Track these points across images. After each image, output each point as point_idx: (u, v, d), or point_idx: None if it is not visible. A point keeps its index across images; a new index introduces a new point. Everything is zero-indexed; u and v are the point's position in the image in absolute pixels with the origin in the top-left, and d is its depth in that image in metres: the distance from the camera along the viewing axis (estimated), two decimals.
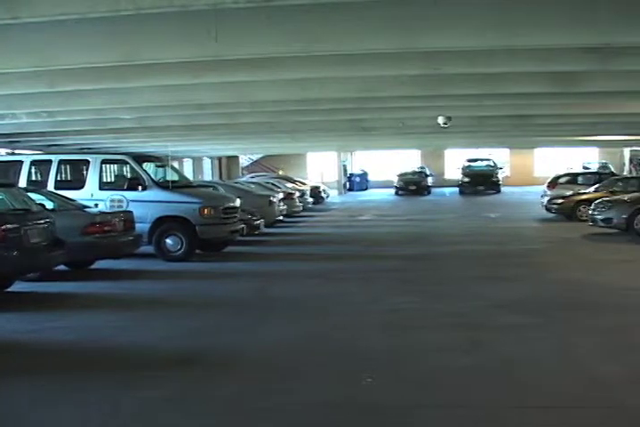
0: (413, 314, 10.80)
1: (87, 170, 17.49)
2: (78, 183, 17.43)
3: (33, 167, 17.68)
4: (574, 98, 16.28)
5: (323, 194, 39.95)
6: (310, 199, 34.58)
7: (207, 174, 47.98)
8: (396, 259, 16.87)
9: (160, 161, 19.36)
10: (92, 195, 16.94)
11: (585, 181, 30.50)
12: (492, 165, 48.99)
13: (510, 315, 10.51)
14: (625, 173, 42.76)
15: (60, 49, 9.65)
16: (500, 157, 53.79)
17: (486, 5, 8.48)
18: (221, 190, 21.90)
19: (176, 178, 18.75)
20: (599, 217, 21.07)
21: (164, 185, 17.40)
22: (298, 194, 31.12)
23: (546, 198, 28.22)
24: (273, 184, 30.15)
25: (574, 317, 10.36)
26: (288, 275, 14.90)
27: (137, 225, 15.55)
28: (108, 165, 18.18)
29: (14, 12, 7.60)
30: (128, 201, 16.82)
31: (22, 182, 16.77)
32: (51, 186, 16.96)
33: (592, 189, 26.61)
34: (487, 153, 51.65)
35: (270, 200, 24.70)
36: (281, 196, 26.63)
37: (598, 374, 7.58)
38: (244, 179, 36.39)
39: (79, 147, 28.13)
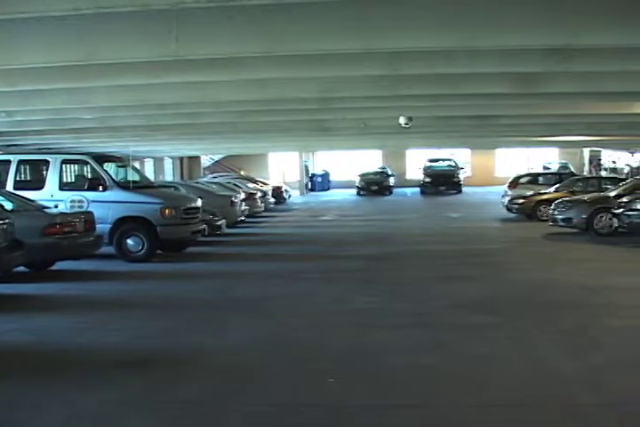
0: (375, 314, 10.83)
1: (47, 170, 17.35)
2: (38, 184, 17.28)
3: None
4: (535, 99, 16.39)
5: (284, 194, 39.89)
6: (272, 199, 34.53)
7: (168, 175, 47.72)
8: (358, 259, 16.90)
9: (121, 161, 19.25)
10: (51, 195, 16.80)
11: (545, 181, 30.76)
12: (454, 165, 49.19)
13: (471, 314, 10.57)
14: (585, 174, 43.13)
15: (19, 48, 9.55)
16: (462, 158, 54.01)
17: (446, 6, 8.51)
18: (183, 191, 21.85)
19: (137, 178, 18.66)
20: (559, 217, 21.27)
21: (125, 185, 17.31)
22: (259, 194, 31.06)
23: (507, 198, 28.40)
24: (234, 184, 30.05)
25: (534, 316, 10.45)
26: (250, 275, 14.87)
27: (98, 226, 15.43)
28: (68, 166, 18.05)
29: None
30: (89, 201, 16.71)
31: None
32: (10, 186, 16.79)
33: (552, 189, 26.83)
34: (448, 153, 51.88)
35: (232, 200, 24.64)
36: (242, 196, 26.57)
37: (557, 373, 7.64)
38: (205, 179, 36.24)
39: (39, 147, 27.87)
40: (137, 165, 32.05)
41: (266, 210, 31.56)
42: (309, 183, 52.28)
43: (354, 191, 47.54)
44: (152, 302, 12.21)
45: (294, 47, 9.19)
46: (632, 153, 42.83)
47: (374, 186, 47.15)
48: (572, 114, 20.66)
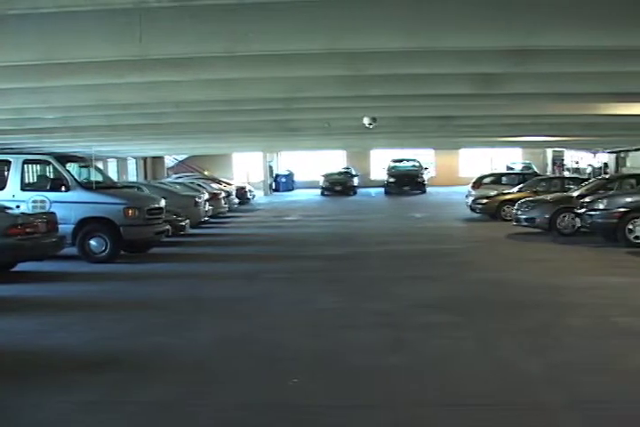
0: (340, 314, 10.84)
1: (8, 170, 17.19)
2: None
3: None
4: (497, 99, 16.47)
5: (249, 194, 39.86)
6: (236, 200, 34.47)
7: (132, 175, 47.43)
8: (322, 259, 16.91)
9: (84, 161, 19.12)
10: (13, 196, 16.67)
11: (509, 181, 30.97)
12: (418, 165, 49.37)
13: (435, 314, 10.61)
14: (548, 174, 43.45)
15: None
16: (426, 158, 54.19)
17: (407, 7, 8.52)
18: (146, 191, 21.74)
19: (100, 178, 18.57)
20: (523, 217, 21.42)
21: (87, 186, 17.22)
22: (223, 194, 31.00)
23: (470, 198, 28.56)
24: (198, 185, 29.96)
25: (497, 315, 10.52)
26: (214, 276, 14.84)
27: (60, 226, 15.31)
28: (30, 166, 17.90)
29: None
30: (51, 202, 16.60)
31: None
32: None
33: (516, 189, 27.02)
34: (412, 153, 52.02)
35: (196, 201, 24.58)
36: (206, 196, 26.49)
37: (520, 372, 7.69)
38: (169, 179, 36.11)
39: (0, 147, 27.61)
40: (100, 165, 31.89)
41: (230, 210, 31.53)
42: (273, 184, 52.24)
43: (318, 191, 47.59)
44: (116, 303, 12.14)
45: (257, 47, 9.17)
46: (594, 153, 43.21)
47: (338, 186, 47.24)
48: (535, 115, 20.79)
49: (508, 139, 33.77)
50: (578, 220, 19.69)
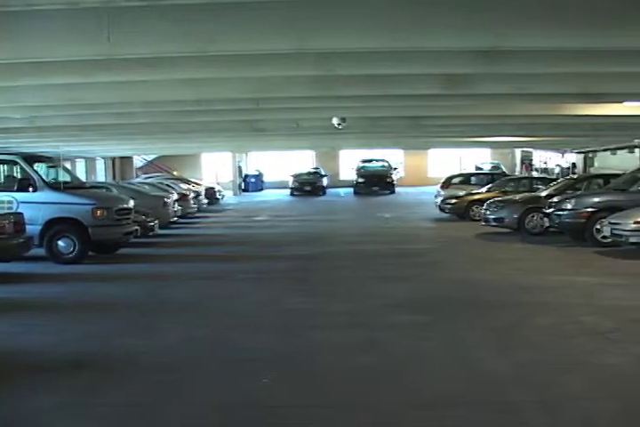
0: (309, 314, 10.84)
1: None
2: None
3: None
4: (466, 100, 16.52)
5: (218, 195, 39.79)
6: (205, 200, 34.41)
7: (100, 175, 47.15)
8: (292, 259, 16.90)
9: (52, 161, 19.01)
10: None
11: (478, 181, 31.13)
12: (387, 165, 49.46)
13: (405, 314, 10.64)
14: (516, 174, 43.69)
15: None
16: (395, 158, 54.29)
17: (377, 8, 8.53)
18: (115, 191, 21.64)
19: (68, 179, 18.46)
20: (491, 217, 21.55)
21: (55, 186, 17.10)
22: (192, 195, 30.94)
23: (439, 198, 28.67)
24: (167, 185, 29.88)
25: (466, 315, 10.56)
26: (183, 276, 14.79)
27: (28, 227, 15.18)
28: None
29: None
30: (18, 202, 16.46)
31: None
32: None
33: (484, 189, 27.15)
34: (381, 154, 52.11)
35: (164, 201, 24.49)
36: (175, 197, 26.42)
37: (489, 372, 7.73)
38: (137, 180, 35.96)
39: None
40: (68, 165, 31.66)
41: (199, 211, 31.47)
42: (243, 184, 52.17)
43: (287, 192, 47.57)
44: (84, 304, 12.07)
45: (226, 47, 9.14)
46: (562, 153, 43.49)
47: (308, 186, 47.26)
48: (504, 115, 20.88)
49: (477, 139, 33.90)
50: (546, 220, 19.82)
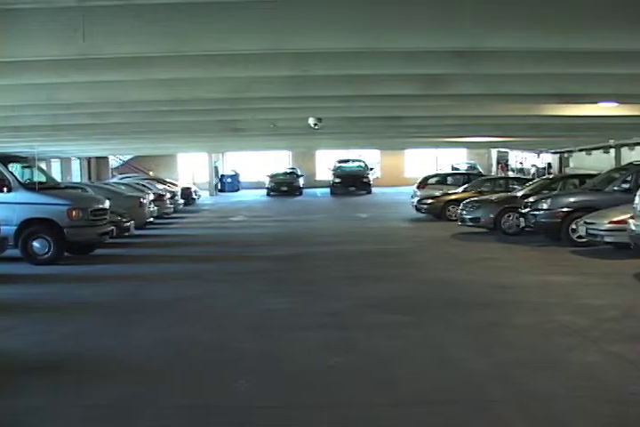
0: (287, 314, 10.83)
1: None
2: None
3: None
4: (443, 100, 16.55)
5: (194, 195, 39.72)
6: (181, 200, 34.36)
7: (76, 176, 46.94)
8: (269, 260, 16.88)
9: (26, 162, 18.89)
10: None
11: (454, 181, 31.24)
12: (363, 165, 49.49)
13: (382, 314, 10.65)
14: (492, 174, 43.86)
15: None
16: (371, 158, 54.33)
17: (354, 7, 8.53)
18: (90, 192, 21.54)
19: (43, 179, 18.36)
20: (468, 217, 21.63)
21: (30, 186, 16.99)
22: (169, 195, 30.89)
23: (416, 199, 28.74)
24: (143, 185, 29.79)
25: (444, 314, 10.58)
26: (160, 277, 14.74)
27: (2, 228, 15.06)
28: None
29: None
30: None
31: None
32: None
33: (461, 189, 27.26)
34: (358, 154, 52.16)
35: (140, 201, 24.41)
36: (151, 197, 26.35)
37: (467, 370, 7.74)
38: (113, 180, 35.83)
39: None
40: (43, 165, 31.50)
41: (175, 211, 31.41)
42: (219, 184, 52.07)
43: (264, 192, 47.53)
44: (60, 305, 12.00)
45: (202, 47, 9.11)
46: (538, 154, 43.70)
47: (284, 187, 47.25)
48: (480, 115, 20.93)
49: (453, 139, 34.01)
50: (522, 219, 19.91)
